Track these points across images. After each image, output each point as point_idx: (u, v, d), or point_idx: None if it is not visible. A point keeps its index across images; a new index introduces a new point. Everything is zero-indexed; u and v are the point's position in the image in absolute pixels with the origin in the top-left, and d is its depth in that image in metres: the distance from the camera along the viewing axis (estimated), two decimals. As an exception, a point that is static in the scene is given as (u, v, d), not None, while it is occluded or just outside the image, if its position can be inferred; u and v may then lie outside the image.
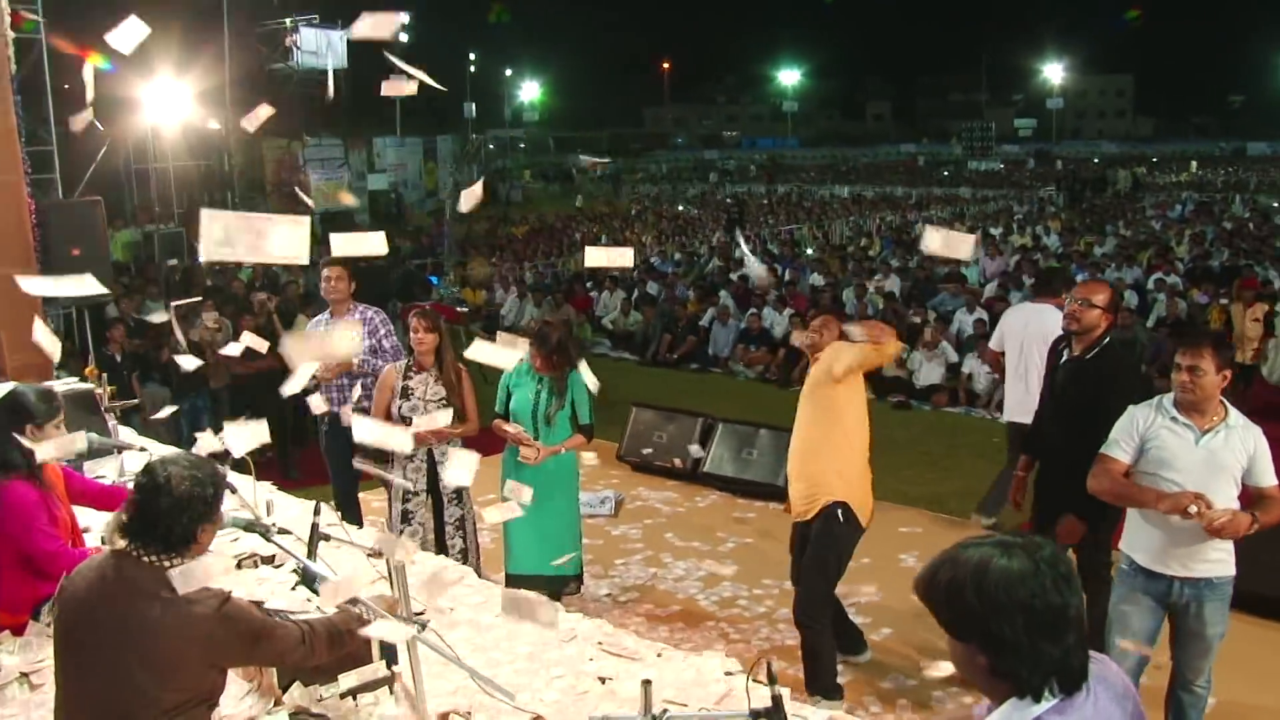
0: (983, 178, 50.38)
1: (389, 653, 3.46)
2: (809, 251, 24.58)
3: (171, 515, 2.86)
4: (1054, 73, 73.78)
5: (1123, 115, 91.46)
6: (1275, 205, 31.84)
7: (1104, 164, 53.99)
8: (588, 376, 5.09)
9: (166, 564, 2.84)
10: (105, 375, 6.90)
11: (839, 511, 5.05)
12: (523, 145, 63.84)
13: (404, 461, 5.96)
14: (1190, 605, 4.25)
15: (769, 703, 2.68)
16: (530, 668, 3.67)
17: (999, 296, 15.97)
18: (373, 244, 4.02)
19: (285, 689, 3.32)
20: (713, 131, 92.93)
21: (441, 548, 5.95)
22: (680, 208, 37.91)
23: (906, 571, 6.58)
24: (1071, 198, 36.51)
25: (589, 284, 19.82)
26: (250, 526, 3.23)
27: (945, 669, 2.20)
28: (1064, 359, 5.30)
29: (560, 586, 5.95)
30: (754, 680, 2.75)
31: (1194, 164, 53.57)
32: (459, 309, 14.28)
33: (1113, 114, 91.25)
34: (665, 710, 2.75)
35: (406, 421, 5.84)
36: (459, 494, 6.05)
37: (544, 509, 5.86)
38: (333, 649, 3.09)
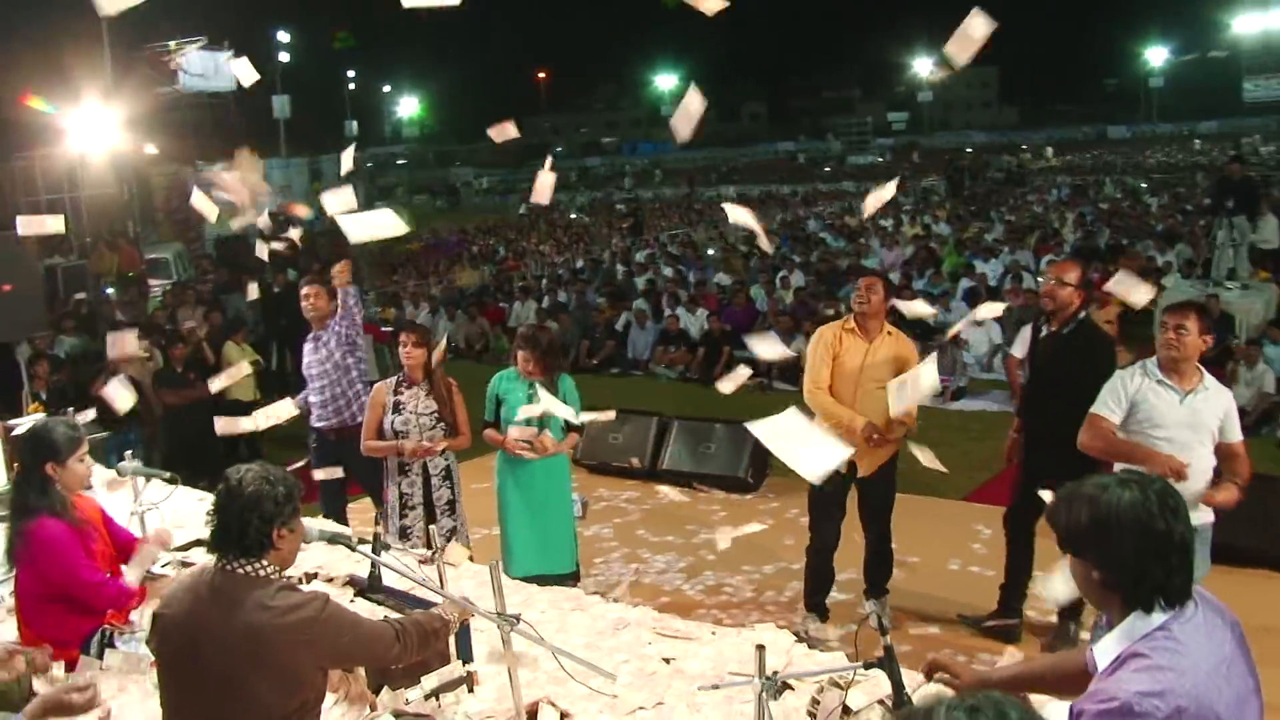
0: (863, 171, 51.58)
1: (464, 651, 3.56)
2: (710, 252, 24.95)
3: (243, 518, 2.87)
4: (923, 67, 75.97)
5: (989, 106, 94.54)
6: (1143, 185, 33.32)
7: (977, 152, 55.85)
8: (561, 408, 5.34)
9: (253, 571, 2.88)
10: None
11: (894, 465, 5.87)
12: (402, 161, 63.18)
13: (399, 477, 6.01)
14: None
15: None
16: (592, 656, 3.79)
17: (904, 285, 16.50)
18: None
19: (376, 693, 3.40)
20: (592, 138, 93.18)
21: None
22: (573, 215, 38.03)
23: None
24: (952, 187, 37.62)
25: (498, 295, 19.89)
26: (335, 539, 3.29)
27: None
28: (1043, 334, 5.64)
29: (558, 585, 6.06)
30: (866, 627, 2.90)
31: (1049, 150, 55.32)
32: (383, 328, 14.18)
33: (979, 105, 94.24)
34: (776, 672, 2.89)
35: (398, 436, 5.93)
36: (451, 506, 6.12)
37: (541, 511, 6.02)
38: (424, 647, 3.18)
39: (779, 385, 13.76)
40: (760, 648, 2.84)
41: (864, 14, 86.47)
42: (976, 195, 34.75)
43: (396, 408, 6.00)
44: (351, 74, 53.63)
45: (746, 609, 6.34)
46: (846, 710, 3.07)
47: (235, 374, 8.38)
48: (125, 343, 8.09)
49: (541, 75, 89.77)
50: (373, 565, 3.68)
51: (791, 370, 13.84)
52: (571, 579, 6.29)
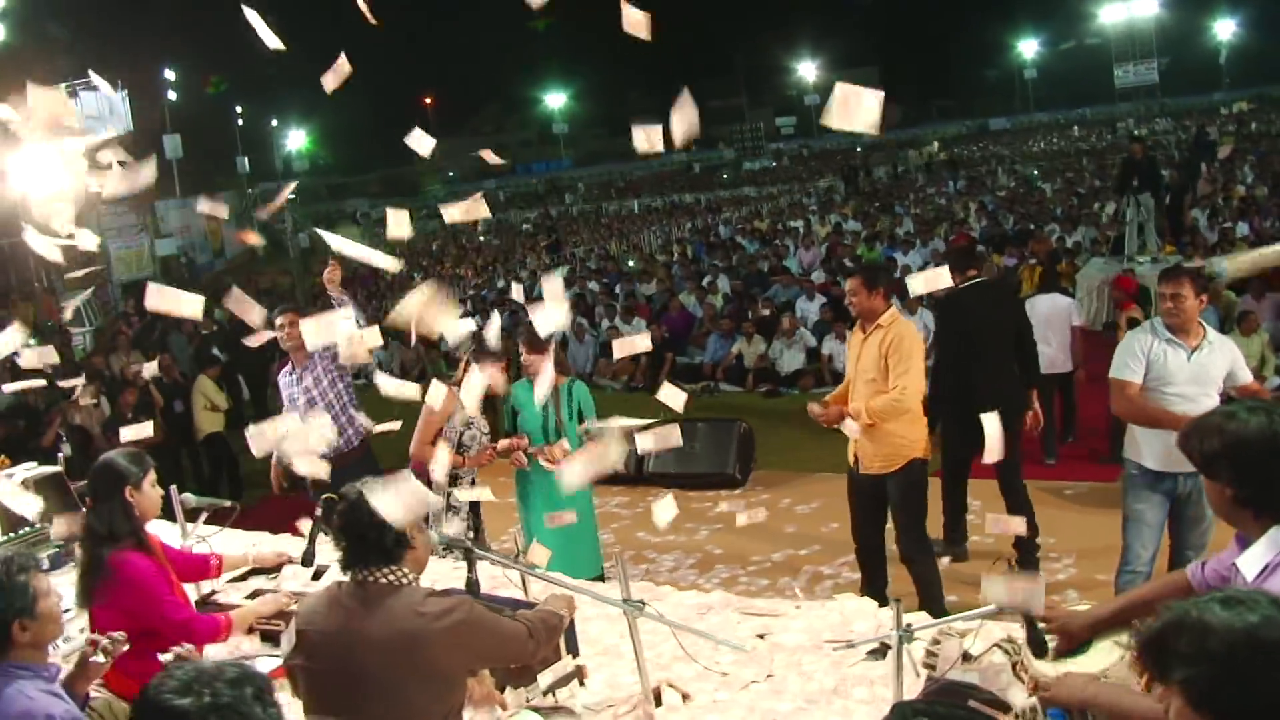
0: (758, 176, 52.36)
1: (572, 646, 3.66)
2: (630, 264, 25.16)
3: (380, 523, 2.90)
4: (808, 71, 77.51)
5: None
6: (1035, 173, 34.48)
7: (866, 151, 57.17)
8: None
9: (396, 580, 2.93)
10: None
11: (918, 464, 5.59)
12: (293, 197, 62.24)
13: (450, 487, 5.97)
14: (1193, 494, 4.97)
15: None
16: (685, 641, 3.91)
17: (832, 282, 16.92)
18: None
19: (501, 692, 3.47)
20: (481, 162, 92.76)
21: None
22: (482, 238, 37.95)
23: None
24: (849, 186, 38.46)
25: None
26: (450, 544, 3.36)
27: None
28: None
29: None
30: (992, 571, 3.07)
31: (936, 144, 56.81)
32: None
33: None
34: (910, 625, 3.05)
35: (461, 450, 5.93)
36: (474, 508, 6.13)
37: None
38: (551, 640, 3.27)
39: (725, 387, 14.03)
40: (897, 600, 3.01)
41: (744, 22, 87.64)
42: (877, 191, 35.58)
43: (468, 421, 5.99)
44: (239, 109, 52.72)
45: (766, 594, 6.49)
46: (966, 657, 3.24)
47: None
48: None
49: (428, 101, 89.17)
50: (470, 570, 3.75)
51: (735, 372, 14.15)
52: (598, 582, 6.39)
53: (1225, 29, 71.41)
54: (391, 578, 2.93)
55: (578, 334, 15.91)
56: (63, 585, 3.98)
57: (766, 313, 15.48)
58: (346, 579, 2.99)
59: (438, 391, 4.40)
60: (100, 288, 24.23)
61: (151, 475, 4.06)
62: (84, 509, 4.00)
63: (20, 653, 2.86)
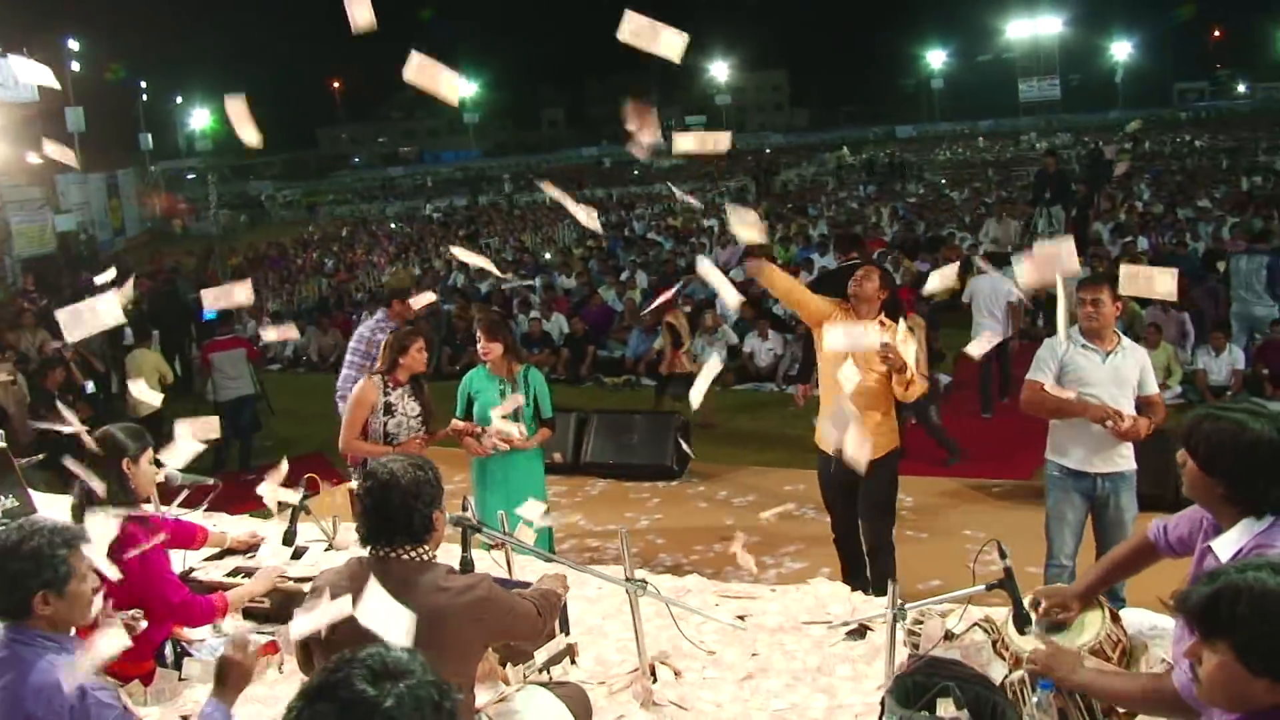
0: (669, 173, 52.60)
1: (564, 624, 3.78)
2: (547, 256, 25.20)
3: (407, 505, 2.99)
4: (720, 71, 78.34)
5: (780, 108, 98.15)
6: (943, 182, 35.38)
7: (775, 153, 57.99)
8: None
9: (418, 556, 3.02)
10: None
11: (897, 454, 5.79)
12: (192, 176, 60.91)
13: None
14: (1110, 497, 5.31)
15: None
16: (668, 624, 4.04)
17: (749, 280, 17.20)
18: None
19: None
20: (390, 149, 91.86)
21: None
22: (393, 226, 37.58)
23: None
24: (759, 186, 38.93)
25: (349, 309, 19.67)
26: (458, 521, 3.45)
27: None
28: None
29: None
30: (983, 557, 3.29)
31: (845, 149, 57.90)
32: (256, 345, 13.85)
33: (771, 108, 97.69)
34: (902, 603, 3.25)
35: (389, 439, 5.99)
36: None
37: (519, 503, 6.17)
38: (553, 617, 3.40)
39: (646, 381, 14.18)
40: (893, 581, 3.19)
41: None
42: (789, 193, 36.09)
43: (388, 409, 6.05)
44: (144, 85, 51.32)
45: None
46: (948, 635, 3.45)
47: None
48: None
49: (336, 85, 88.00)
50: (464, 549, 3.83)
51: (656, 367, 14.31)
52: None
53: (1121, 50, 74.20)
54: (414, 555, 3.02)
55: (500, 324, 15.99)
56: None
57: (687, 309, 15.72)
58: (365, 554, 3.07)
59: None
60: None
61: (149, 453, 4.06)
62: (75, 480, 3.95)
63: (38, 624, 2.83)
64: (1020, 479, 8.18)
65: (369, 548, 3.06)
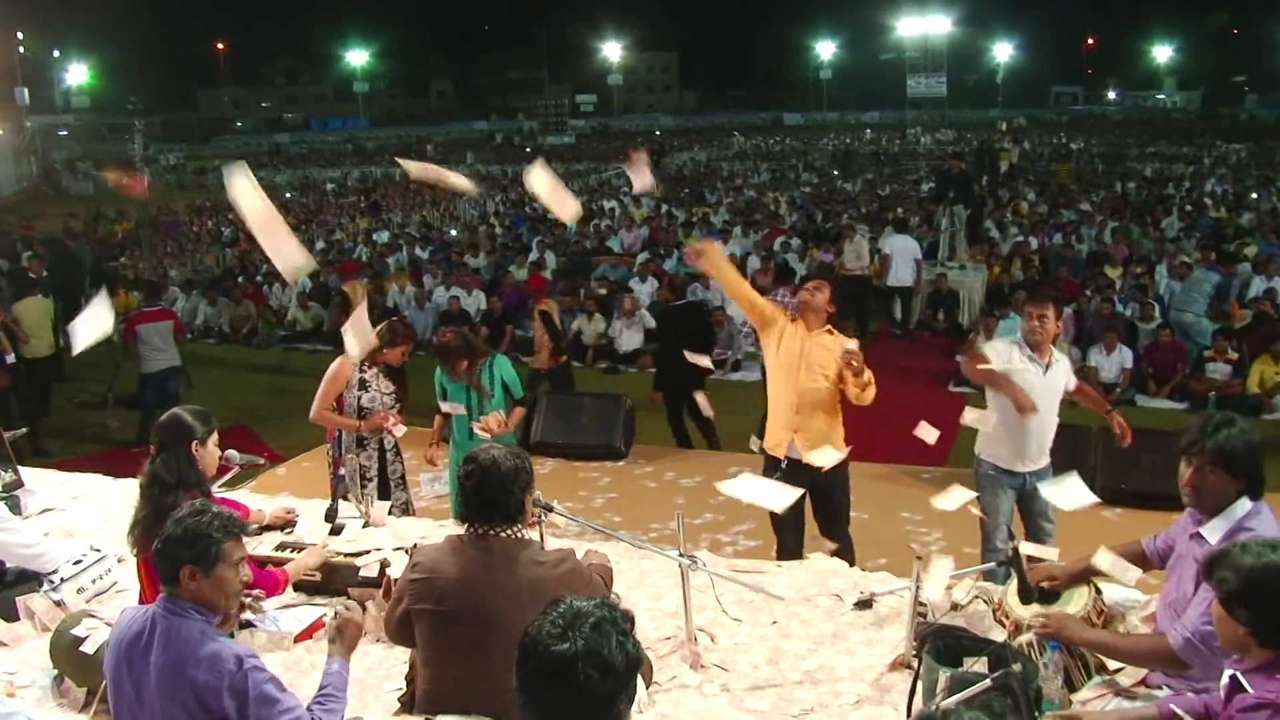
0: (561, 152, 52.78)
1: (605, 594, 4.16)
2: (453, 233, 25.19)
3: (505, 489, 3.39)
4: (611, 51, 78.62)
5: (670, 90, 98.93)
6: (835, 172, 36.34)
7: (665, 135, 58.63)
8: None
9: (514, 534, 3.40)
10: None
11: (846, 461, 5.87)
12: (65, 132, 58.66)
13: (356, 450, 6.35)
14: (1035, 490, 5.68)
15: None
16: (697, 592, 4.36)
17: (656, 262, 17.73)
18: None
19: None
20: (274, 114, 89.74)
21: None
22: (289, 195, 36.94)
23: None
24: (655, 168, 39.30)
25: (259, 278, 19.50)
26: (538, 504, 3.82)
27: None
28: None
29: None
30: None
31: (738, 135, 58.95)
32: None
33: (660, 89, 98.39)
34: (920, 578, 3.72)
35: (362, 414, 6.29)
36: (403, 480, 6.57)
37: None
38: (610, 588, 3.80)
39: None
40: (919, 558, 3.66)
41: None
42: (686, 178, 36.55)
43: (362, 385, 6.34)
44: (20, 36, 49.11)
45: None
46: (954, 606, 3.95)
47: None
48: None
49: (220, 46, 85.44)
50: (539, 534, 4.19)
51: (573, 348, 14.60)
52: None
53: (1003, 51, 77.03)
54: (511, 533, 3.40)
55: (419, 301, 16.15)
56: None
57: (603, 292, 16.10)
58: (464, 531, 3.42)
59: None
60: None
61: (215, 436, 4.30)
62: (149, 458, 4.18)
63: (186, 595, 3.08)
64: (938, 466, 8.72)
65: (467, 525, 3.42)
